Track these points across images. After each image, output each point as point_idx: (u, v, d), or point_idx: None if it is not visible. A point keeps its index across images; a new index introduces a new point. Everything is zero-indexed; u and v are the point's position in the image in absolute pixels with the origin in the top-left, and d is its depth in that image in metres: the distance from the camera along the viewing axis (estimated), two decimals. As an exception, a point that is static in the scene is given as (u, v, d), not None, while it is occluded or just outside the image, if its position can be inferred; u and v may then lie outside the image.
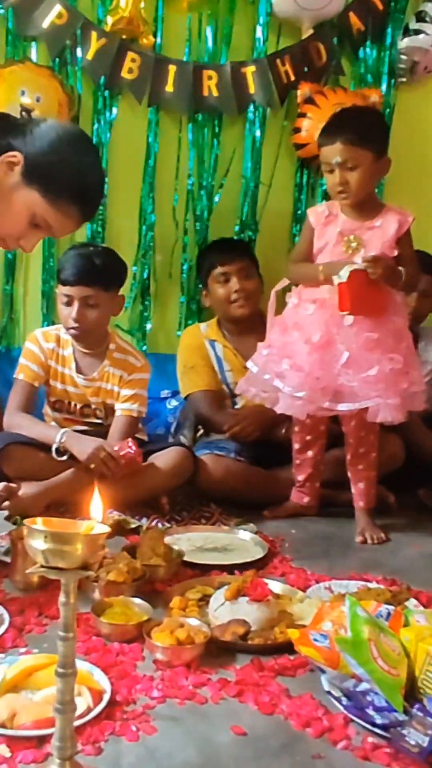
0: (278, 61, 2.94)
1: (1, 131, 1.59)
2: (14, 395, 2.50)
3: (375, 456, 2.33)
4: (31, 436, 2.36)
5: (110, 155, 2.89)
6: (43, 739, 1.16)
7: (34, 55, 2.80)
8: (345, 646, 1.30)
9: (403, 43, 3.02)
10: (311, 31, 2.94)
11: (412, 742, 1.16)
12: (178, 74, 2.87)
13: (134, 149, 2.93)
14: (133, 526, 2.18)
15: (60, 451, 2.30)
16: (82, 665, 1.28)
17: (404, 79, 3.08)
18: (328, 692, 1.32)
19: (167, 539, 1.95)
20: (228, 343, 2.81)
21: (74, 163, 1.60)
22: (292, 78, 2.96)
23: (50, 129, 1.61)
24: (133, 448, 2.29)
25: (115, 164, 2.89)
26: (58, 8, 2.75)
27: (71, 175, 1.59)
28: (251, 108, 2.96)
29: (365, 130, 2.18)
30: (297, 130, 2.97)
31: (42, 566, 1.00)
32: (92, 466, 2.25)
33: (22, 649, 1.45)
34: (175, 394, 2.93)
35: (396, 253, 2.19)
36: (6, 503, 2.12)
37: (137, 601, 1.62)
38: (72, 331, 2.44)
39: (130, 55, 2.82)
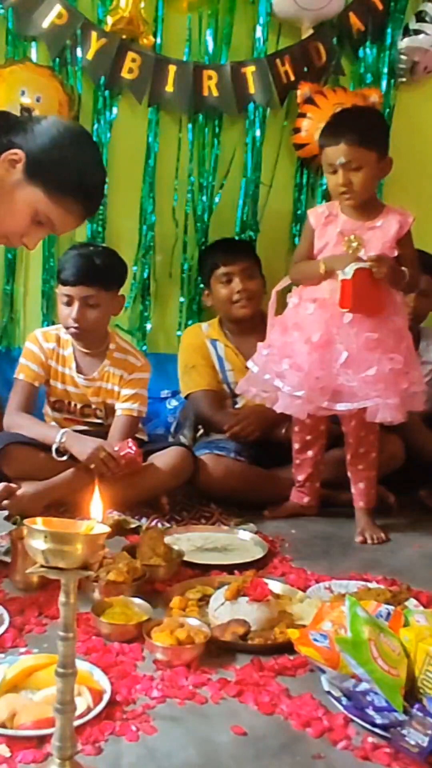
0: (278, 61, 2.94)
1: (2, 129, 1.59)
2: (14, 395, 2.50)
3: (375, 456, 2.33)
4: (31, 436, 2.36)
5: (110, 155, 2.88)
6: (43, 739, 1.16)
7: (34, 55, 2.80)
8: (345, 646, 1.30)
9: (403, 43, 3.02)
10: (311, 31, 2.94)
11: (412, 742, 1.16)
12: (178, 74, 2.87)
13: (134, 149, 2.92)
14: (133, 526, 2.17)
15: (60, 451, 2.30)
16: (82, 665, 1.28)
17: (404, 79, 3.08)
18: (328, 692, 1.32)
19: (167, 539, 1.95)
20: (229, 342, 2.81)
21: (75, 160, 1.61)
22: (292, 78, 2.96)
23: (51, 126, 1.61)
24: (133, 448, 2.29)
25: (115, 164, 2.88)
26: (58, 8, 2.75)
27: (73, 171, 1.60)
28: (251, 108, 2.96)
29: (369, 130, 2.18)
30: (297, 130, 2.97)
31: (42, 566, 1.00)
32: (92, 466, 2.25)
33: (22, 649, 1.45)
34: (175, 394, 2.93)
35: (396, 253, 2.19)
36: (6, 503, 2.12)
37: (137, 601, 1.62)
38: (72, 330, 2.43)
39: (130, 55, 2.82)
